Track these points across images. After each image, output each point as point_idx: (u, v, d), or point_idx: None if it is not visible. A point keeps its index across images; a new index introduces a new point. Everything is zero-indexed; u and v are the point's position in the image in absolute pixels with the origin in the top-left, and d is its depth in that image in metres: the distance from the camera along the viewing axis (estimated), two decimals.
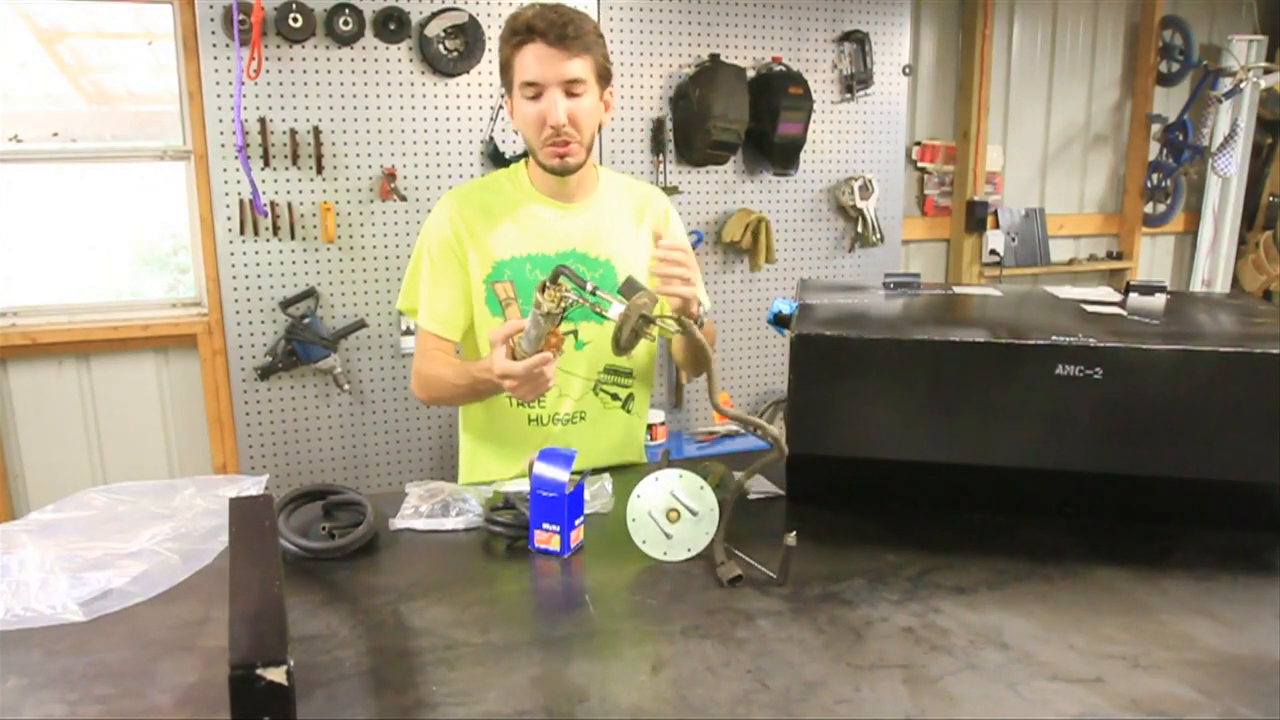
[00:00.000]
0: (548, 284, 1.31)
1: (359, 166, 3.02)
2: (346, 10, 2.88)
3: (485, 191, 1.73)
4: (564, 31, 1.52)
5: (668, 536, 1.29)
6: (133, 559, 1.24)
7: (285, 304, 2.99)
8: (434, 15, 2.99)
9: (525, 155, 1.72)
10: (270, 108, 2.89)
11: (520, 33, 1.55)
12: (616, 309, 1.25)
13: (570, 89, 1.56)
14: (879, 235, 3.73)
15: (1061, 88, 4.38)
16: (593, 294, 1.28)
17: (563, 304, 1.31)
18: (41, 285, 3.10)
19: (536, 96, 1.57)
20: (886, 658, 1.02)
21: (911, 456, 1.31)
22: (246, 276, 2.97)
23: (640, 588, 1.21)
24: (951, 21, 4.10)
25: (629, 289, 1.27)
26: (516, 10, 1.57)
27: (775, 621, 1.11)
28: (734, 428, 3.63)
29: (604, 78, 1.62)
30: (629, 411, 1.77)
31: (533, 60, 1.54)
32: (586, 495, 1.44)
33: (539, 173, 1.68)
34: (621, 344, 1.26)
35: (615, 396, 1.75)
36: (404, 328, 3.15)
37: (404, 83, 3.03)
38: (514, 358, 1.41)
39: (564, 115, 1.56)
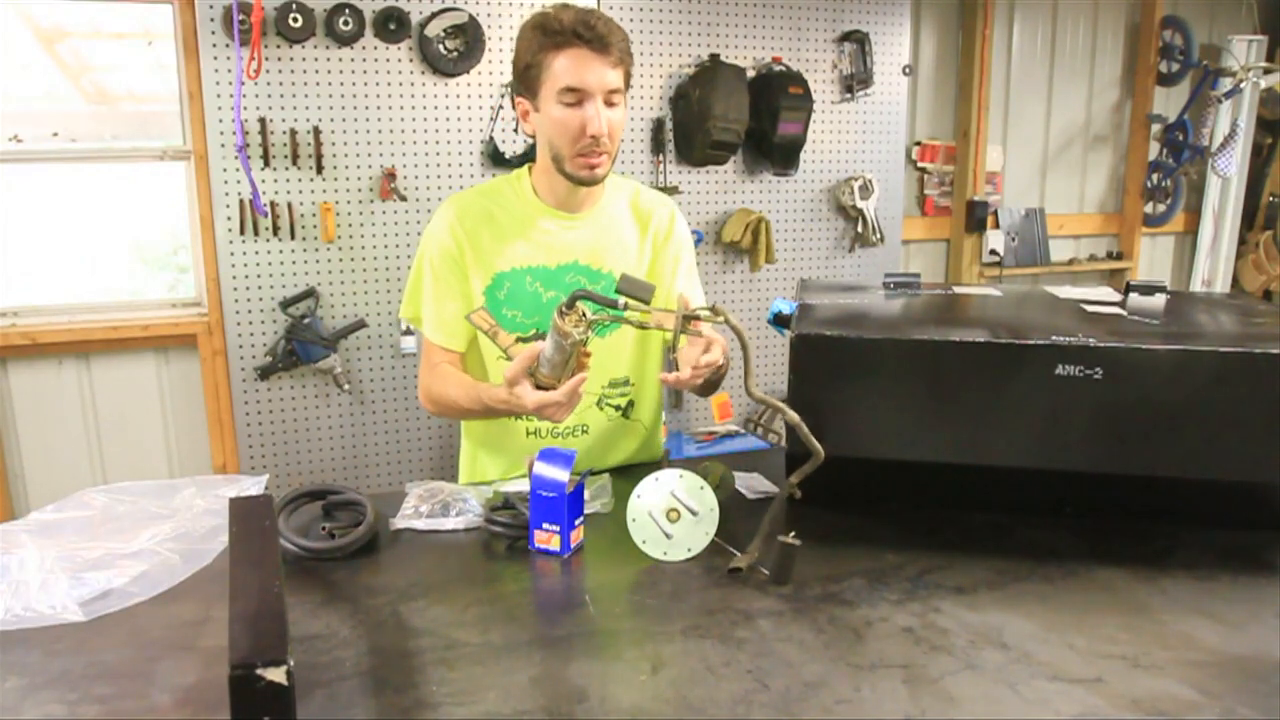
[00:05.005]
0: (565, 309, 1.30)
1: (359, 166, 3.02)
2: (346, 10, 2.88)
3: (487, 199, 1.67)
4: (608, 40, 1.49)
5: (668, 536, 1.29)
6: (133, 559, 1.24)
7: (285, 304, 2.99)
8: (434, 15, 2.99)
9: (525, 160, 1.68)
10: (270, 108, 2.89)
11: (559, 34, 1.49)
12: (659, 317, 1.28)
13: (610, 99, 1.52)
14: (879, 235, 3.73)
15: (1061, 88, 4.38)
16: (624, 309, 1.28)
17: (589, 328, 1.31)
18: (41, 285, 3.11)
19: (578, 103, 1.51)
20: (886, 658, 1.02)
21: (911, 456, 1.31)
22: (246, 276, 2.97)
23: (640, 588, 1.21)
24: (951, 21, 4.10)
25: (629, 286, 1.27)
26: (543, 11, 1.52)
27: (775, 621, 1.11)
28: (734, 427, 3.63)
29: (628, 88, 1.59)
30: (628, 417, 1.77)
31: (576, 65, 1.49)
32: (586, 495, 1.43)
33: (545, 182, 1.63)
34: (676, 347, 1.39)
35: (617, 407, 1.75)
36: (404, 328, 3.15)
37: (404, 83, 3.03)
38: (537, 384, 1.41)
39: (605, 125, 1.51)
